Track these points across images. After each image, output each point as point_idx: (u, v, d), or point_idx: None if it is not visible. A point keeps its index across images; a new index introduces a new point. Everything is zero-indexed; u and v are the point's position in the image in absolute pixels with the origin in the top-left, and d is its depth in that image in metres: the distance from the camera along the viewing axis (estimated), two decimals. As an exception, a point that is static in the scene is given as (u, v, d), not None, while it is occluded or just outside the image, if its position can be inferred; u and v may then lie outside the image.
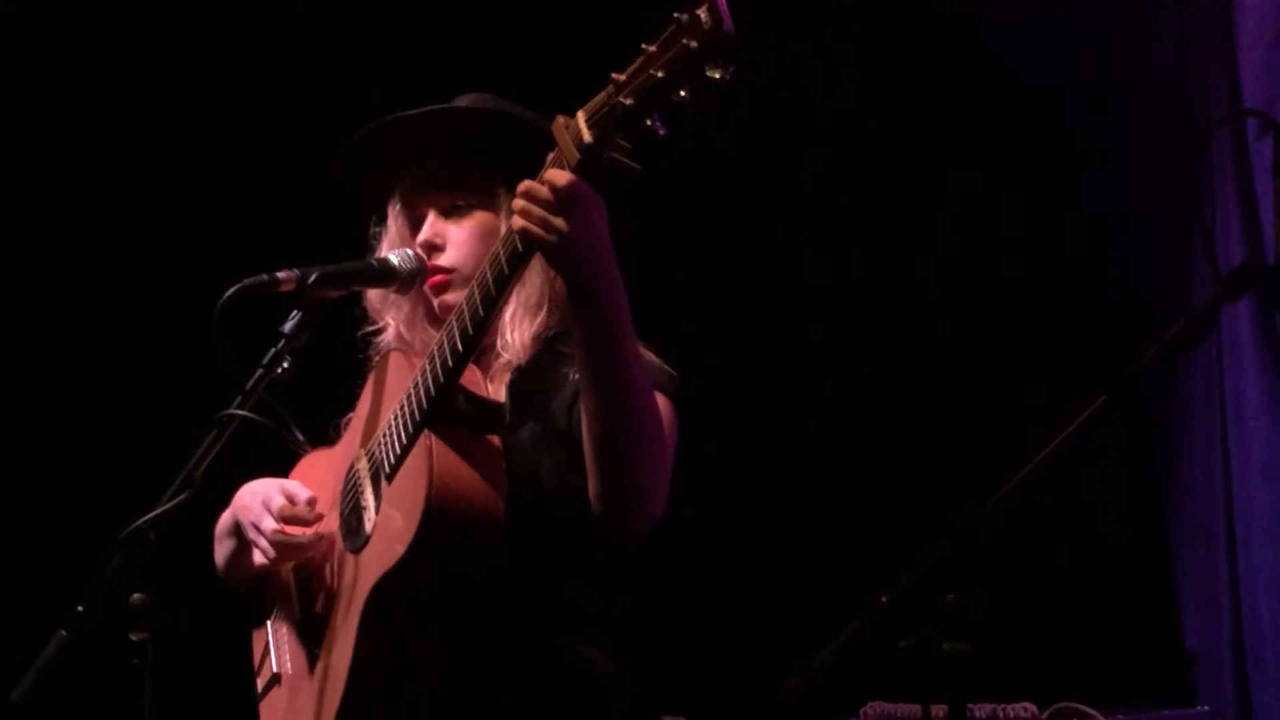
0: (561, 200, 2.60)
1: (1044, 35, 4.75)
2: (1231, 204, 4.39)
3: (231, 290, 2.85)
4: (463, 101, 3.12)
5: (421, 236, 3.07)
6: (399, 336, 3.14)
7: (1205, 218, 4.48)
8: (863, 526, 4.72)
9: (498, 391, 2.94)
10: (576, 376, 2.83)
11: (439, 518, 2.73)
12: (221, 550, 3.24)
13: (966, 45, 4.80)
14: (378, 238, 3.16)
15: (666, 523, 2.86)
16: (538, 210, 2.62)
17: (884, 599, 2.59)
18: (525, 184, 2.65)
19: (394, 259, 3.03)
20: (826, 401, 4.92)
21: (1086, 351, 4.58)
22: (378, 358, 3.15)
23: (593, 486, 2.78)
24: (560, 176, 2.60)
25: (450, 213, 3.07)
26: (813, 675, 2.58)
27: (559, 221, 2.61)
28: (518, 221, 2.64)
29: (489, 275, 2.74)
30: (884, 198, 4.97)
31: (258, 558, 3.09)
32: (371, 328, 3.18)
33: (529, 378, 2.96)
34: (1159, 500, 4.69)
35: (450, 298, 3.01)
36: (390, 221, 3.13)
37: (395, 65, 4.82)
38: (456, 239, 3.05)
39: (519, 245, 2.68)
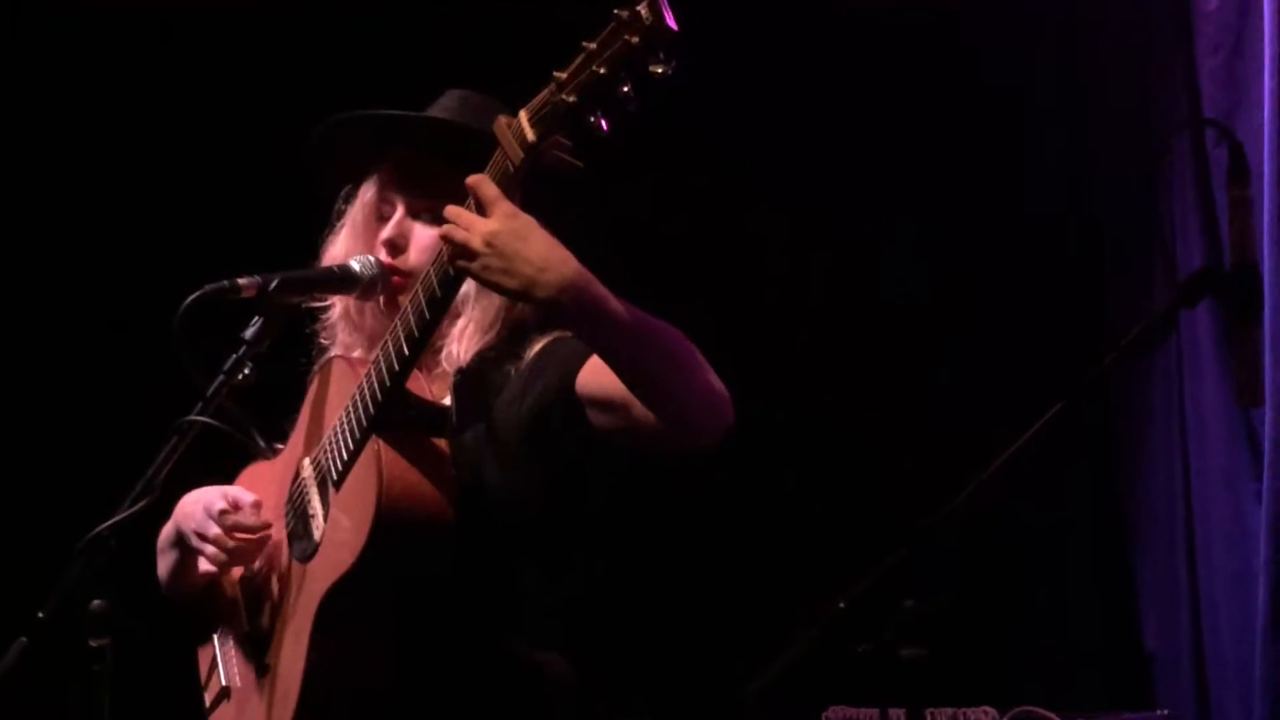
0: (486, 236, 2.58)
1: (1003, 39, 4.76)
2: (1190, 210, 4.42)
3: (192, 296, 2.83)
4: (448, 99, 3.07)
5: (385, 234, 3.01)
6: (346, 315, 3.08)
7: (1164, 223, 4.50)
8: (821, 531, 4.72)
9: (441, 394, 2.91)
10: (517, 372, 2.84)
11: (390, 523, 2.71)
12: (164, 562, 3.20)
13: (925, 49, 4.81)
14: (341, 215, 3.11)
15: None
16: (459, 237, 2.60)
17: (842, 604, 2.60)
18: (451, 210, 2.64)
19: (355, 265, 2.98)
20: (786, 406, 4.92)
21: (1045, 357, 4.60)
22: (319, 365, 3.11)
23: (648, 412, 2.66)
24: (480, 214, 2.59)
25: (419, 214, 3.02)
26: (774, 678, 2.59)
27: (488, 261, 2.58)
28: (446, 251, 2.63)
29: (434, 278, 2.71)
30: (843, 202, 4.98)
31: (203, 565, 3.06)
32: (319, 304, 3.11)
33: (471, 379, 2.91)
34: (1119, 504, 4.71)
35: (405, 299, 2.89)
36: (358, 206, 3.08)
37: (355, 65, 4.81)
38: (420, 243, 2.99)
39: (450, 270, 2.67)
